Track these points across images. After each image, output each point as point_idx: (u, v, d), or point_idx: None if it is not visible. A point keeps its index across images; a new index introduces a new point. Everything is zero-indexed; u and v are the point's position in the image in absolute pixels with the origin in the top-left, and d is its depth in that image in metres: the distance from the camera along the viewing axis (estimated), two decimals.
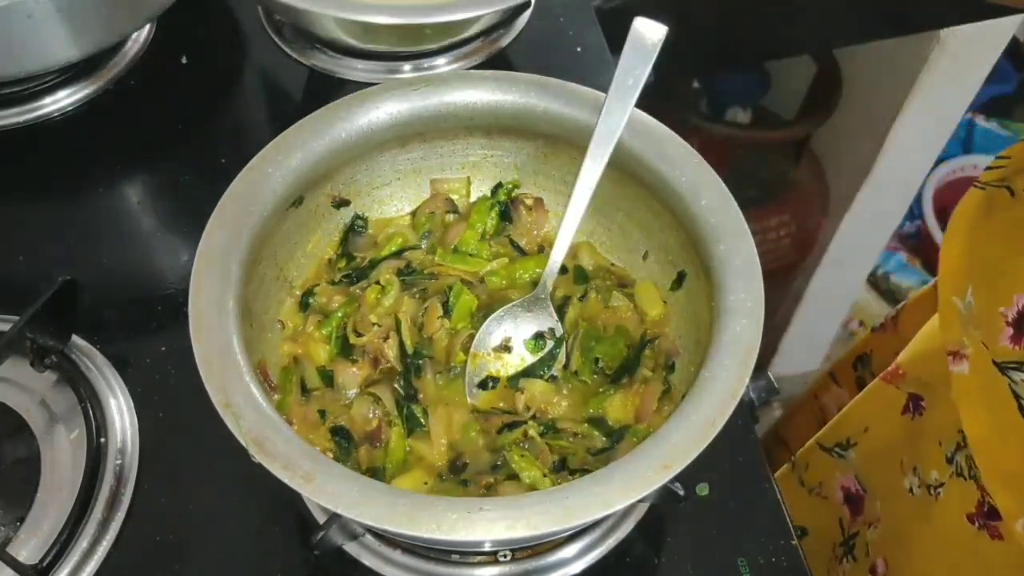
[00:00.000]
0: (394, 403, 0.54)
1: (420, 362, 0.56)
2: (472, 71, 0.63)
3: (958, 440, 0.61)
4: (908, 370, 0.71)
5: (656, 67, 0.73)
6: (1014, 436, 0.56)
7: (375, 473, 0.52)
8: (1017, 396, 0.56)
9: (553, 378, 0.56)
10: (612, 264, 0.62)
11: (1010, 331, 0.56)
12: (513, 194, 0.63)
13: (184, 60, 0.83)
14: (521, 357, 0.56)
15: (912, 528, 0.66)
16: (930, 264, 1.73)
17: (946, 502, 0.62)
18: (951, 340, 0.61)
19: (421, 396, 0.55)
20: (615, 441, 0.53)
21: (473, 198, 0.63)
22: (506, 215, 0.62)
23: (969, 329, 0.60)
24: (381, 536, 0.56)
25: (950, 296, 0.62)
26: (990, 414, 0.58)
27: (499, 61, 0.81)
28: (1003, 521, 0.57)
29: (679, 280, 0.58)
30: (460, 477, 0.52)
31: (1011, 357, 0.56)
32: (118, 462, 0.57)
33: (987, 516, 0.58)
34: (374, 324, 0.56)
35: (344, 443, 0.53)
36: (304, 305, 0.58)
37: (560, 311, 0.58)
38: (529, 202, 0.63)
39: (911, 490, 0.67)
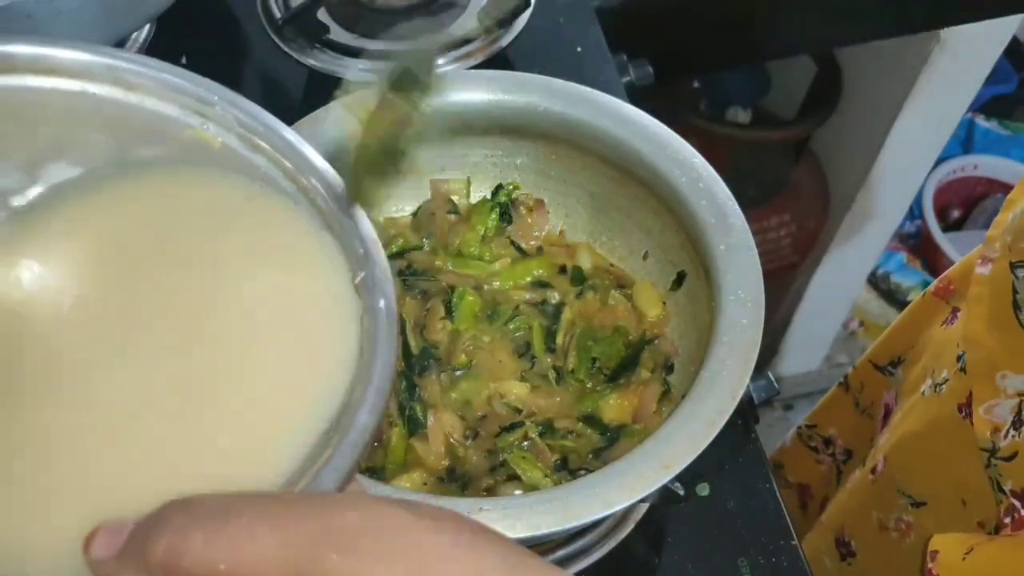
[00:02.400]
0: (396, 403, 0.54)
1: (426, 361, 0.56)
2: (472, 71, 0.63)
3: None
4: (956, 284, 0.74)
5: (656, 67, 0.73)
6: (1001, 329, 0.59)
7: (375, 473, 0.52)
8: (1015, 291, 0.58)
9: None
10: (611, 264, 0.62)
11: None
12: (513, 195, 0.63)
13: (184, 61, 0.83)
14: None
15: (916, 427, 0.69)
16: (930, 264, 1.73)
17: (945, 396, 0.65)
18: (989, 247, 0.64)
19: (425, 396, 0.55)
20: (612, 439, 0.53)
21: (473, 199, 0.63)
22: (506, 216, 0.62)
23: (1006, 237, 0.62)
24: None
25: (1008, 212, 0.65)
26: (990, 309, 0.60)
27: (499, 61, 0.81)
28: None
29: (679, 280, 0.58)
30: (460, 478, 0.52)
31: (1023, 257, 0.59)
32: None
33: (970, 404, 0.61)
34: None
35: None
36: None
37: (557, 310, 0.58)
38: (530, 203, 0.63)
39: (923, 393, 0.69)
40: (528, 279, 0.60)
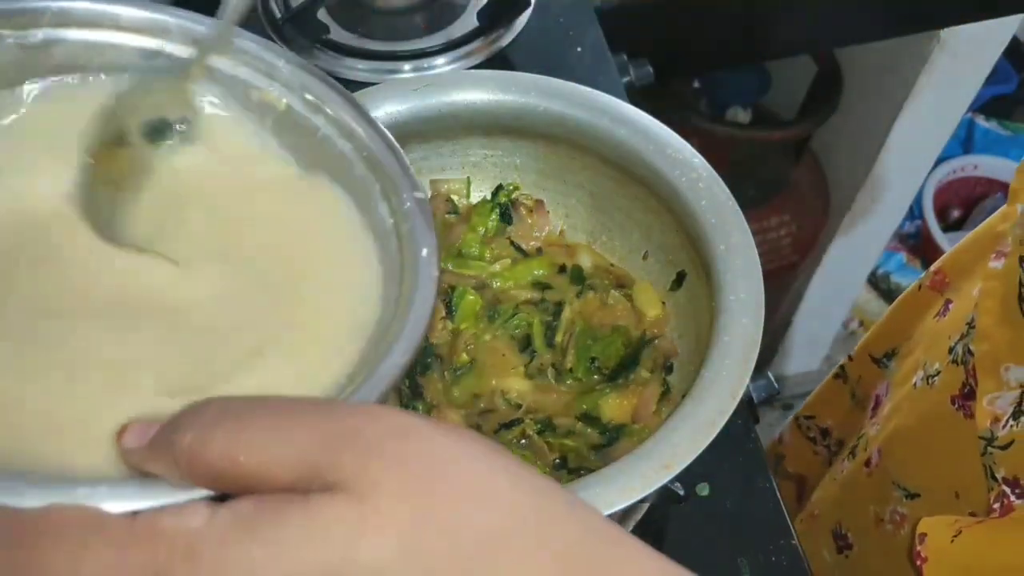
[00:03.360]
0: (398, 403, 0.54)
1: (428, 360, 0.56)
2: (472, 71, 0.63)
3: (963, 331, 0.64)
4: (951, 277, 0.74)
5: (656, 67, 0.73)
6: (1008, 323, 0.59)
7: None
8: (1021, 283, 0.58)
9: None
10: (611, 264, 0.62)
11: None
12: (513, 196, 0.63)
13: None
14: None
15: (908, 420, 0.69)
16: (930, 264, 1.73)
17: (938, 388, 0.66)
18: (1001, 240, 0.65)
19: (428, 396, 0.55)
20: (612, 439, 0.53)
21: (474, 199, 0.63)
22: (506, 216, 0.62)
23: (1017, 230, 0.63)
24: None
25: (1015, 203, 0.66)
26: (1002, 303, 0.61)
27: (499, 61, 0.81)
28: (976, 400, 0.60)
29: (679, 280, 0.58)
30: None
31: None
32: None
33: (965, 397, 0.62)
34: None
35: None
36: None
37: (557, 309, 0.58)
38: (529, 204, 0.63)
39: (915, 385, 0.70)
40: (528, 279, 0.60)
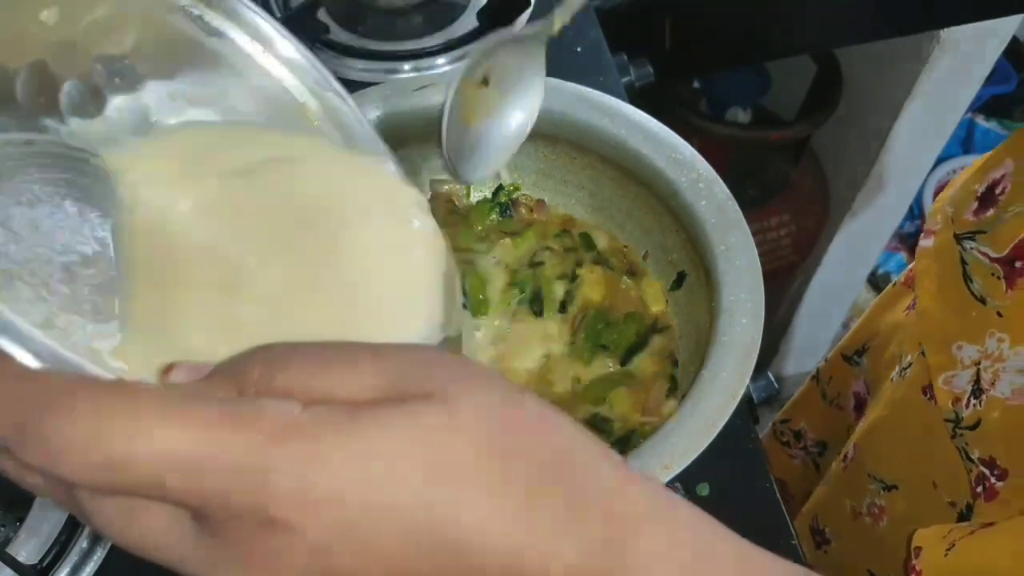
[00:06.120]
0: None
1: None
2: None
3: None
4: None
5: (656, 67, 0.73)
6: (953, 301, 0.59)
7: None
8: (964, 263, 0.59)
9: None
10: (624, 246, 0.62)
11: (975, 205, 0.60)
12: (513, 195, 0.63)
13: None
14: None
15: (884, 412, 0.69)
16: None
17: (910, 379, 0.66)
18: (931, 220, 0.65)
19: None
20: (614, 442, 0.53)
21: (473, 199, 0.63)
22: (506, 215, 0.62)
23: (948, 209, 0.63)
24: None
25: (951, 188, 0.67)
26: (938, 281, 0.61)
27: None
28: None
29: (679, 280, 0.58)
30: None
31: (969, 228, 0.59)
32: None
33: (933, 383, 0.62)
34: None
35: None
36: None
37: (572, 282, 0.59)
38: (530, 204, 0.63)
39: (892, 379, 0.70)
40: (528, 247, 0.60)
